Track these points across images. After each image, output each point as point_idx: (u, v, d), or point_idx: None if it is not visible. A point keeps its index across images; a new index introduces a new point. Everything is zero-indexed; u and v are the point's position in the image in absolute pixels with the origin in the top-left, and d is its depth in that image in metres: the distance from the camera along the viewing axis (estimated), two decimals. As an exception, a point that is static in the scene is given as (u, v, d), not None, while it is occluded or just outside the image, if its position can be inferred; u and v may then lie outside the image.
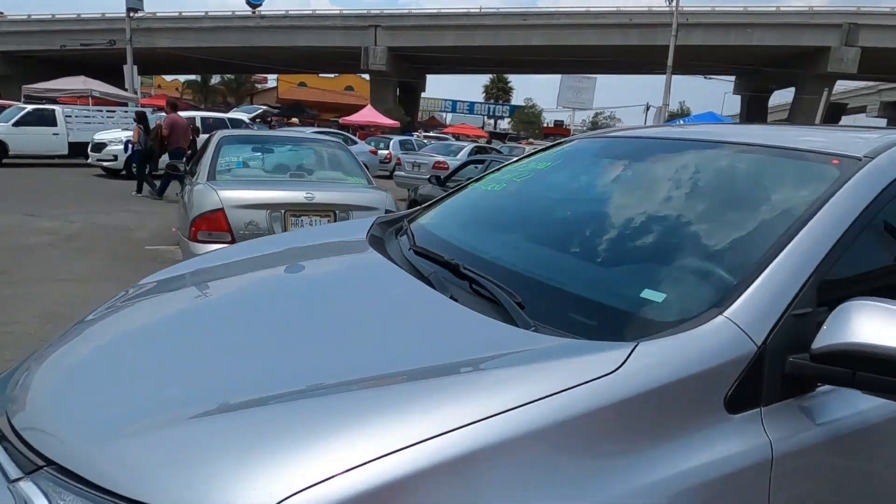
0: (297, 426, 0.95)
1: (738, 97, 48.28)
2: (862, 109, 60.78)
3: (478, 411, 0.94)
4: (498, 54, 41.58)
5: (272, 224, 4.26)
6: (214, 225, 4.17)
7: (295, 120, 21.96)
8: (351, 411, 0.97)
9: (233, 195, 4.25)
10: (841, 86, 45.09)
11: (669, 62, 25.84)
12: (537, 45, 38.48)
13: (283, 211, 4.30)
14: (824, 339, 1.08)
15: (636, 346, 1.07)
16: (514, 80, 63.82)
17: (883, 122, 61.03)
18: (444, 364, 1.10)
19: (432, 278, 1.52)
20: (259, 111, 19.67)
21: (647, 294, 1.30)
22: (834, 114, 43.15)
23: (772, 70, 38.37)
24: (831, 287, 1.24)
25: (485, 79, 61.20)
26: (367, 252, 1.82)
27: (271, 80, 59.84)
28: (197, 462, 0.90)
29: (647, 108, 52.97)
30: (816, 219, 1.27)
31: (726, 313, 1.13)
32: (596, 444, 0.98)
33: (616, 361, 1.04)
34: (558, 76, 49.73)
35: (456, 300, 1.39)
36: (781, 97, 48.81)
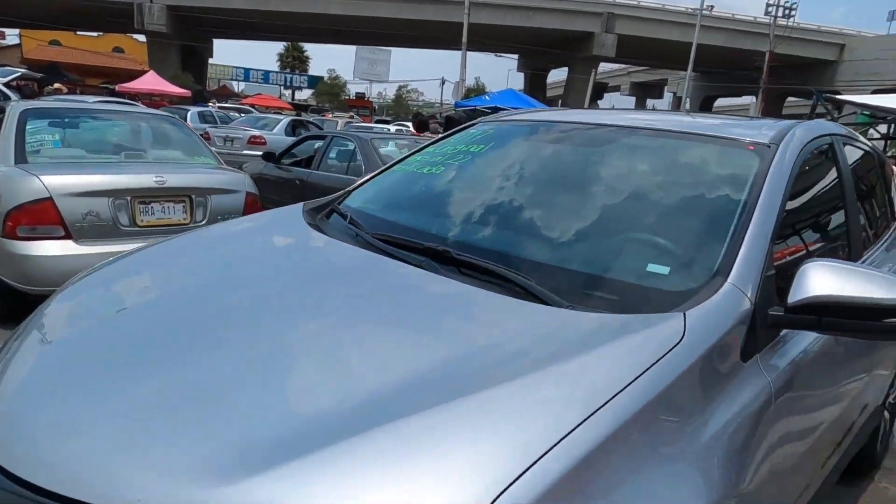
0: (437, 436, 0.94)
1: (522, 74, 52.81)
2: (617, 88, 70.71)
3: (601, 397, 1.02)
4: (294, 21, 39.74)
5: (117, 213, 3.69)
6: (41, 217, 3.48)
7: (60, 86, 18.51)
8: (489, 412, 0.99)
9: (63, 181, 3.57)
10: (602, 67, 51.71)
11: (464, 39, 27.22)
12: (334, 14, 37.58)
13: (129, 198, 3.75)
14: (796, 294, 1.36)
15: (684, 315, 1.24)
16: (311, 49, 61.67)
17: (633, 99, 71.74)
18: (540, 355, 1.15)
19: (441, 267, 1.52)
20: (17, 74, 16.07)
21: (653, 268, 1.49)
22: (598, 91, 49.52)
23: (549, 51, 42.54)
24: (779, 251, 1.56)
25: (279, 46, 58.15)
26: (347, 248, 1.72)
27: (11, 35, 49.59)
28: (377, 480, 0.85)
29: (443, 83, 55.25)
30: (763, 195, 1.57)
31: (730, 280, 1.36)
32: (680, 407, 1.13)
33: (679, 331, 1.20)
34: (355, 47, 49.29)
35: (479, 287, 1.42)
36: (557, 75, 54.60)
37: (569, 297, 1.37)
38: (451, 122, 8.80)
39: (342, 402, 1.02)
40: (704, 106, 55.57)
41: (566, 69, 45.36)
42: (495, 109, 16.56)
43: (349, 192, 2.33)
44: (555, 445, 0.91)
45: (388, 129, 15.64)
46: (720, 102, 64.33)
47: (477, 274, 1.48)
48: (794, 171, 1.73)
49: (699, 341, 1.20)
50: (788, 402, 1.42)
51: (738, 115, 2.55)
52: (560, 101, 42.11)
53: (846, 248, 2.05)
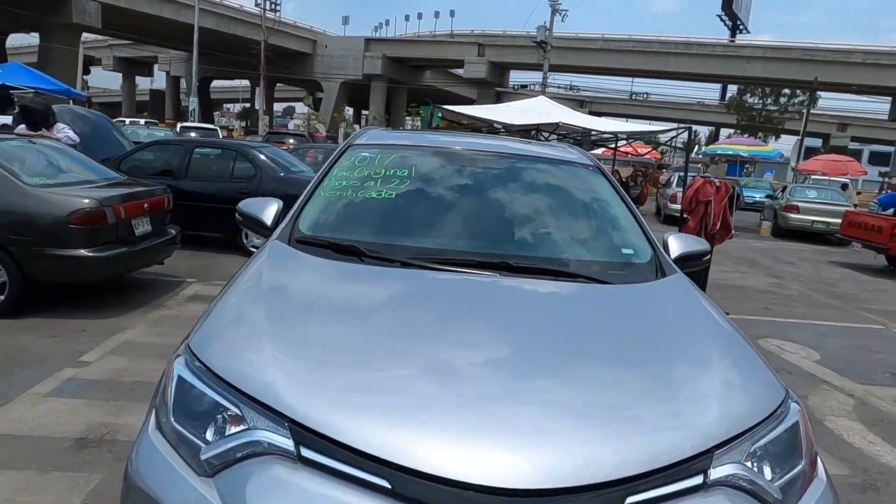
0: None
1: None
2: (99, 62, 62.98)
3: (720, 313, 1.94)
4: None
5: None
6: None
7: None
8: (720, 341, 1.76)
9: None
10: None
11: None
12: None
13: None
14: (672, 253, 2.49)
15: (681, 273, 2.21)
16: None
17: (119, 75, 65.35)
18: (671, 308, 1.96)
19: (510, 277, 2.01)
20: None
21: (625, 251, 2.38)
22: (86, 65, 43.25)
23: (8, 10, 34.53)
24: None
25: None
26: (447, 276, 1.99)
27: None
28: None
29: None
30: (621, 196, 2.67)
31: (656, 248, 2.39)
32: None
33: (688, 281, 2.16)
34: None
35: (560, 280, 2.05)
36: (25, 40, 44.80)
37: (609, 278, 2.13)
38: None
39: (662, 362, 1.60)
40: (202, 87, 55.78)
41: (37, 34, 37.87)
42: (3, 87, 13.11)
43: (297, 226, 2.32)
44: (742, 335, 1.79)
45: None
46: (216, 84, 65.80)
47: (543, 274, 2.06)
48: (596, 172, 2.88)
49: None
50: None
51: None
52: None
53: None
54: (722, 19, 58.51)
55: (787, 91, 43.57)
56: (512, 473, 1.17)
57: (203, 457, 1.29)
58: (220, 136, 22.07)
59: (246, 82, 63.28)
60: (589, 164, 2.91)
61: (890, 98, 37.68)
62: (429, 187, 2.59)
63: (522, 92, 50.59)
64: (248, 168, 7.38)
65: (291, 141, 17.42)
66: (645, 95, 38.87)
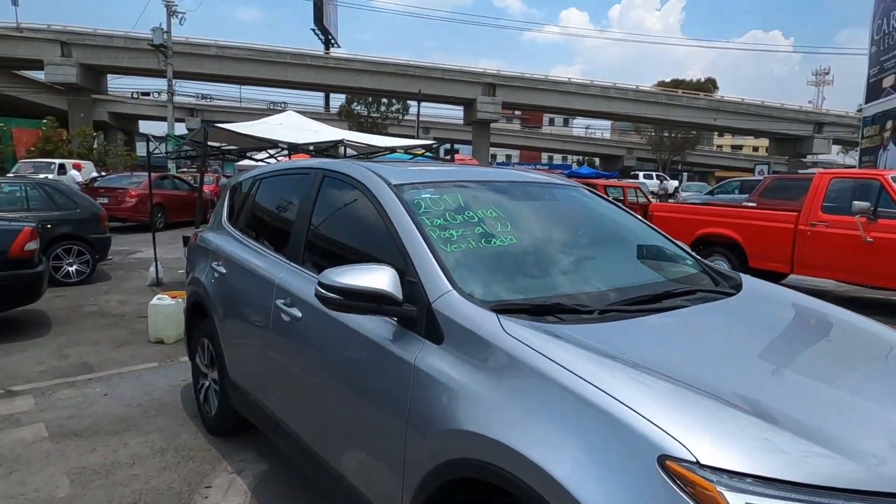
0: None
1: None
2: None
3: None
4: None
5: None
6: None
7: None
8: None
9: None
10: None
11: None
12: None
13: None
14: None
15: (746, 276, 2.62)
16: None
17: None
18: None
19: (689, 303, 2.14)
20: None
21: (688, 261, 2.66)
22: None
23: None
24: None
25: None
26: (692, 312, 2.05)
27: None
28: None
29: None
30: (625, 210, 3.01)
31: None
32: None
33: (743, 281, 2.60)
34: None
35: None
36: None
37: (729, 289, 2.38)
38: None
39: None
40: None
41: None
42: None
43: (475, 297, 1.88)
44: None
45: None
46: None
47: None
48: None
49: None
50: None
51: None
52: None
53: None
54: (316, 33, 62.85)
55: (385, 100, 49.87)
56: None
57: None
58: None
59: None
60: (581, 187, 3.08)
61: (462, 107, 47.08)
62: (524, 226, 2.46)
63: (143, 101, 44.18)
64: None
65: None
66: (283, 105, 38.92)
